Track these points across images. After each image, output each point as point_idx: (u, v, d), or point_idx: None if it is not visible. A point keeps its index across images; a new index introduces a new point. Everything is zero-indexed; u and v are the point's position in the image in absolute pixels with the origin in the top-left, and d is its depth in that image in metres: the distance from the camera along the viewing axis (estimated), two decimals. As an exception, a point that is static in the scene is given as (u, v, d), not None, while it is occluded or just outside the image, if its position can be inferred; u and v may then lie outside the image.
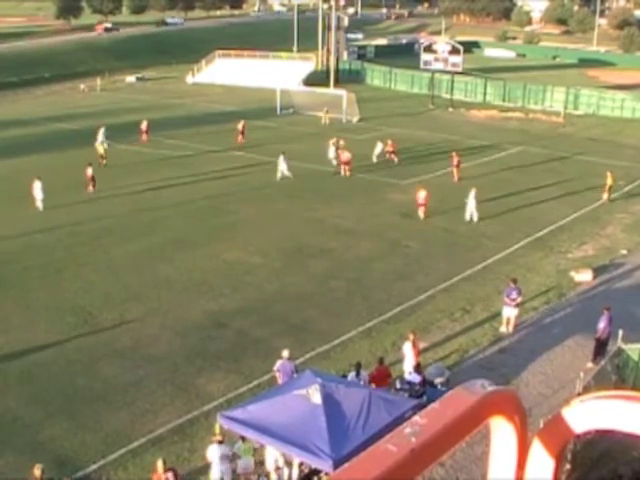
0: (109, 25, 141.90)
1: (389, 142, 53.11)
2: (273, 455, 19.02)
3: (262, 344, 26.45)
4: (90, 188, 45.17)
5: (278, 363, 22.35)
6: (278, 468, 19.18)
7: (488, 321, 28.52)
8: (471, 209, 40.38)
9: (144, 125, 60.16)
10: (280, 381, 21.96)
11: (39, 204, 41.68)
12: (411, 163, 53.00)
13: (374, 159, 51.98)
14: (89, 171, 45.31)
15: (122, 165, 50.67)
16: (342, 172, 49.12)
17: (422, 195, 40.81)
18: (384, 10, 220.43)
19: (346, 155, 49.23)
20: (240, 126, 60.40)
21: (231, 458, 18.78)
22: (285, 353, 22.45)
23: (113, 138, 55.25)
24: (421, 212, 40.89)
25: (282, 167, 48.36)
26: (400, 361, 24.11)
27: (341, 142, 52.24)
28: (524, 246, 37.21)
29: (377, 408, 17.68)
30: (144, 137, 59.58)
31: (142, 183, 47.08)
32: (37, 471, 17.62)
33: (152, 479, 18.06)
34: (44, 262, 34.43)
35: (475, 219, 40.30)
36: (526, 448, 5.61)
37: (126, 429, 21.53)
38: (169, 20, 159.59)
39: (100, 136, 54.26)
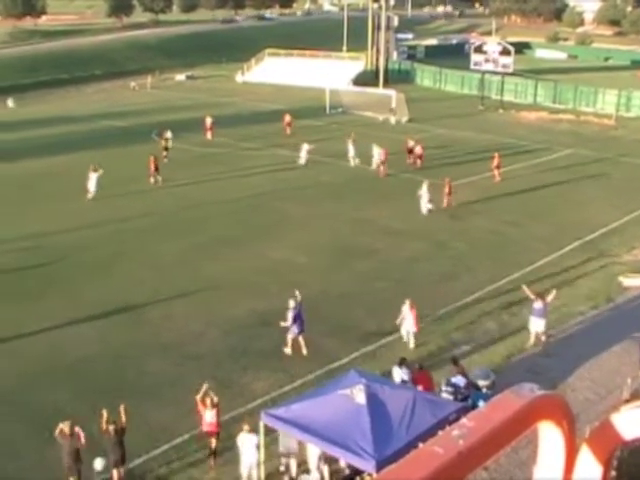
0: (228, 18, 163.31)
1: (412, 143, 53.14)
2: (315, 453, 19.02)
3: (307, 343, 26.42)
4: (152, 180, 46.65)
5: (292, 303, 25.51)
6: (319, 467, 19.20)
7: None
8: (424, 202, 41.69)
9: (208, 122, 60.65)
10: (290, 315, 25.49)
11: (89, 196, 42.78)
12: (459, 164, 52.67)
13: (374, 167, 50.87)
14: (153, 163, 46.54)
15: (170, 162, 51.02)
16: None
17: (447, 185, 42.76)
18: (426, 9, 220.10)
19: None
20: (287, 119, 62.43)
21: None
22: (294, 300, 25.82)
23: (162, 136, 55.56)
24: (445, 202, 42.69)
25: (302, 154, 51.77)
26: (444, 363, 23.98)
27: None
28: (573, 249, 36.78)
29: (421, 410, 17.61)
30: (209, 134, 59.99)
31: (189, 180, 47.49)
32: (65, 427, 19.11)
33: (197, 406, 20.38)
34: (92, 258, 34.81)
35: (425, 212, 41.63)
36: (574, 454, 5.50)
37: (170, 425, 21.67)
38: (267, 15, 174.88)
39: (169, 133, 54.91)
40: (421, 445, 4.42)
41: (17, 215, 40.89)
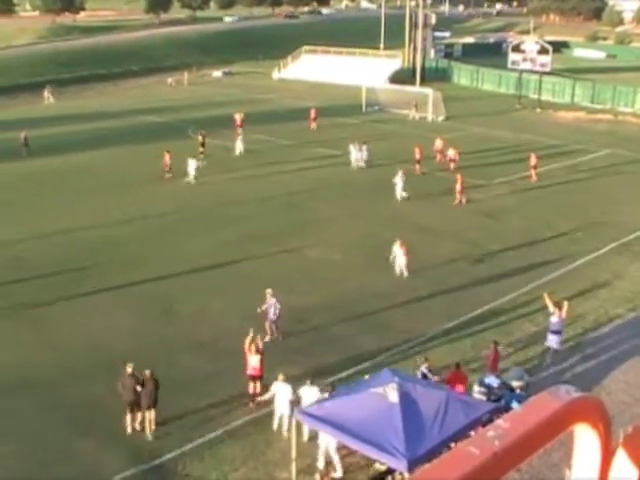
0: (290, 13, 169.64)
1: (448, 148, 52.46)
2: (325, 443, 19.11)
3: (340, 341, 26.47)
4: (166, 175, 47.11)
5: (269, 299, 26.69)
6: (337, 458, 19.24)
7: (570, 326, 27.82)
8: (399, 190, 43.00)
9: (238, 118, 60.99)
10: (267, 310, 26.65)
11: (190, 179, 46.00)
12: (495, 164, 52.42)
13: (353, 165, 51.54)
14: (167, 158, 47.04)
15: (206, 158, 51.23)
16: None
17: (459, 181, 43.28)
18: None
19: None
20: (312, 113, 64.34)
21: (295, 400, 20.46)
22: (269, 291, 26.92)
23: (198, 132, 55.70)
24: (457, 200, 43.25)
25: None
26: (480, 367, 23.88)
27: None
28: (610, 250, 36.43)
29: (454, 409, 17.54)
30: (239, 130, 60.14)
31: (223, 176, 47.69)
32: (129, 369, 21.09)
33: (245, 347, 22.67)
34: (126, 254, 35.03)
35: (399, 198, 43.06)
36: (610, 457, 5.46)
37: (204, 420, 21.79)
38: (323, 11, 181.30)
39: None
40: (453, 445, 4.42)
41: (53, 210, 41.33)
